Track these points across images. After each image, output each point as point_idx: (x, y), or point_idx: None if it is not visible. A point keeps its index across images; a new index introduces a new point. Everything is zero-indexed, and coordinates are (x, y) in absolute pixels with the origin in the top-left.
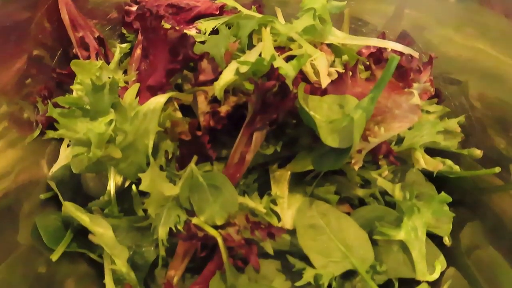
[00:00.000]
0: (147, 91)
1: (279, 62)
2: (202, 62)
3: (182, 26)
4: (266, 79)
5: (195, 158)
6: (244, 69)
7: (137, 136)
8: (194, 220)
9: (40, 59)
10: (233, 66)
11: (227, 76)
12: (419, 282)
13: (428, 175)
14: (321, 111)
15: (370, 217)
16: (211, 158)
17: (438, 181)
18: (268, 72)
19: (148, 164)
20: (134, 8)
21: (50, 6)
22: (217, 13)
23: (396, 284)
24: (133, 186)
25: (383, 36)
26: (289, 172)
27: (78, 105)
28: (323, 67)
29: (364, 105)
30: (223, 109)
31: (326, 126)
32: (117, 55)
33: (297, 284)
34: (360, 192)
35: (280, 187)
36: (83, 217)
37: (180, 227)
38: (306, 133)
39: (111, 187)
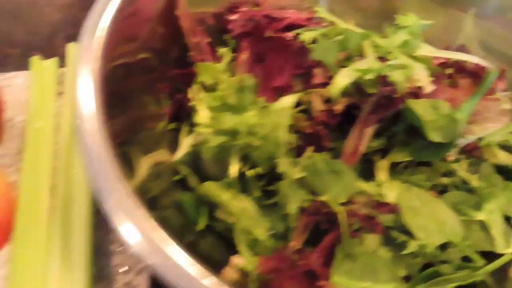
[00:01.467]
0: (271, 91)
1: (388, 71)
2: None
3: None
4: (378, 85)
5: (311, 148)
6: (358, 75)
7: (271, 129)
8: (319, 199)
9: (160, 61)
10: (345, 72)
11: (342, 80)
12: (499, 256)
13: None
14: (424, 112)
15: (454, 201)
16: (325, 149)
17: (504, 173)
18: (379, 78)
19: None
20: (234, 16)
21: (163, 14)
22: (305, 24)
23: (480, 257)
24: (249, 172)
25: (462, 49)
26: (388, 162)
27: (224, 101)
28: (424, 75)
29: (466, 108)
30: (337, 108)
31: (429, 124)
32: (226, 59)
33: (403, 252)
34: (445, 181)
35: (382, 174)
36: (223, 194)
37: (305, 204)
38: (402, 129)
39: (234, 171)
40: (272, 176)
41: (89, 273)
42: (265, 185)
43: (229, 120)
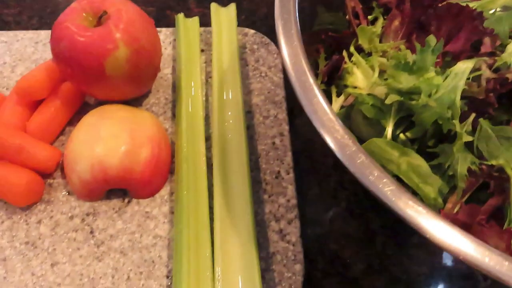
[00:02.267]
0: (441, 56)
1: None
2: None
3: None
4: None
5: (473, 115)
6: None
7: (445, 91)
8: (488, 162)
9: None
10: None
11: None
12: None
13: None
14: None
15: None
16: (490, 117)
17: None
18: None
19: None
20: None
21: None
22: None
23: None
24: (402, 134)
25: None
26: None
27: (404, 61)
28: None
29: None
30: (509, 76)
31: None
32: (379, 24)
33: None
34: None
35: None
36: (392, 151)
37: (474, 167)
38: None
39: (389, 133)
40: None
41: (252, 217)
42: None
43: (409, 80)
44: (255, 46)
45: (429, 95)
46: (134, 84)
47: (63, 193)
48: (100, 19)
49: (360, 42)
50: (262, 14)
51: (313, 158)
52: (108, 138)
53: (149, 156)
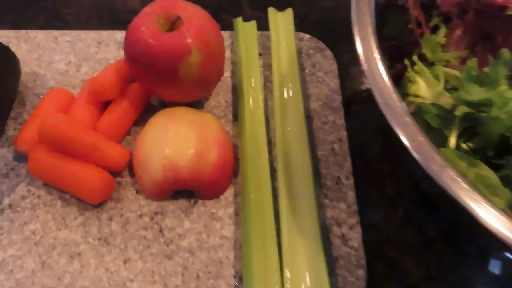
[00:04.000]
0: None
1: None
2: None
3: None
4: None
5: None
6: None
7: None
8: None
9: None
10: None
11: None
12: None
13: None
14: None
15: None
16: None
17: None
18: None
19: None
20: None
21: None
22: None
23: None
24: (464, 144)
25: None
26: None
27: (475, 73)
28: None
29: None
30: None
31: None
32: (442, 33)
33: None
34: None
35: None
36: (460, 161)
37: None
38: None
39: (452, 142)
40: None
41: (318, 220)
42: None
43: (480, 92)
44: (311, 51)
45: (501, 108)
46: (202, 88)
47: (132, 191)
48: (174, 24)
49: (423, 51)
50: (314, 19)
51: (370, 165)
52: (178, 140)
53: (217, 159)
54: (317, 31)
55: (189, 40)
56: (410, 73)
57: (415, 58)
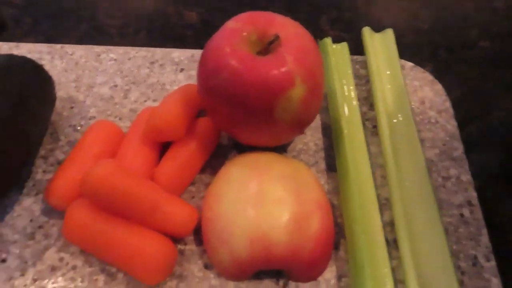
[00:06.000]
0: None
1: None
2: None
3: None
4: None
5: None
6: None
7: None
8: None
9: None
10: None
11: None
12: None
13: None
14: None
15: None
16: None
17: None
18: None
19: None
20: None
21: None
22: None
23: None
24: None
25: None
26: None
27: None
28: None
29: None
30: None
31: None
32: None
33: None
34: None
35: None
36: None
37: None
38: None
39: None
40: None
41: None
42: None
43: None
44: (416, 83)
45: None
46: (296, 129)
47: (199, 265)
48: (270, 45)
49: None
50: (412, 43)
51: None
52: (271, 202)
53: (320, 229)
54: (415, 57)
55: (293, 68)
56: None
57: None
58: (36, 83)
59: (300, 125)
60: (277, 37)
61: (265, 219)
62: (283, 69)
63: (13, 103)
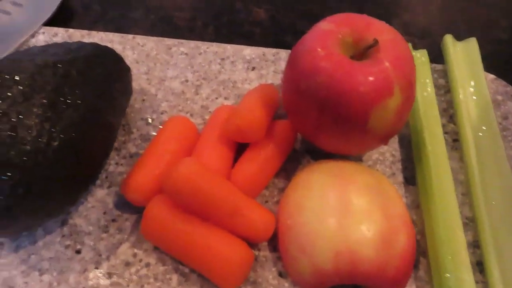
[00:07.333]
0: None
1: None
2: None
3: None
4: None
5: None
6: None
7: None
8: None
9: None
10: None
11: None
12: None
13: None
14: None
15: None
16: None
17: None
18: None
19: None
20: None
21: None
22: None
23: None
24: None
25: None
26: None
27: None
28: None
29: None
30: None
31: None
32: None
33: None
34: None
35: None
36: None
37: None
38: None
39: None
40: None
41: None
42: None
43: None
44: (499, 97)
45: None
46: (384, 139)
47: (273, 273)
48: (367, 49)
49: None
50: (489, 54)
51: None
52: (356, 215)
53: (406, 246)
54: (494, 68)
55: (392, 76)
56: None
57: None
58: (117, 73)
59: (390, 135)
60: (376, 42)
61: (352, 232)
62: (383, 76)
63: (101, 92)
